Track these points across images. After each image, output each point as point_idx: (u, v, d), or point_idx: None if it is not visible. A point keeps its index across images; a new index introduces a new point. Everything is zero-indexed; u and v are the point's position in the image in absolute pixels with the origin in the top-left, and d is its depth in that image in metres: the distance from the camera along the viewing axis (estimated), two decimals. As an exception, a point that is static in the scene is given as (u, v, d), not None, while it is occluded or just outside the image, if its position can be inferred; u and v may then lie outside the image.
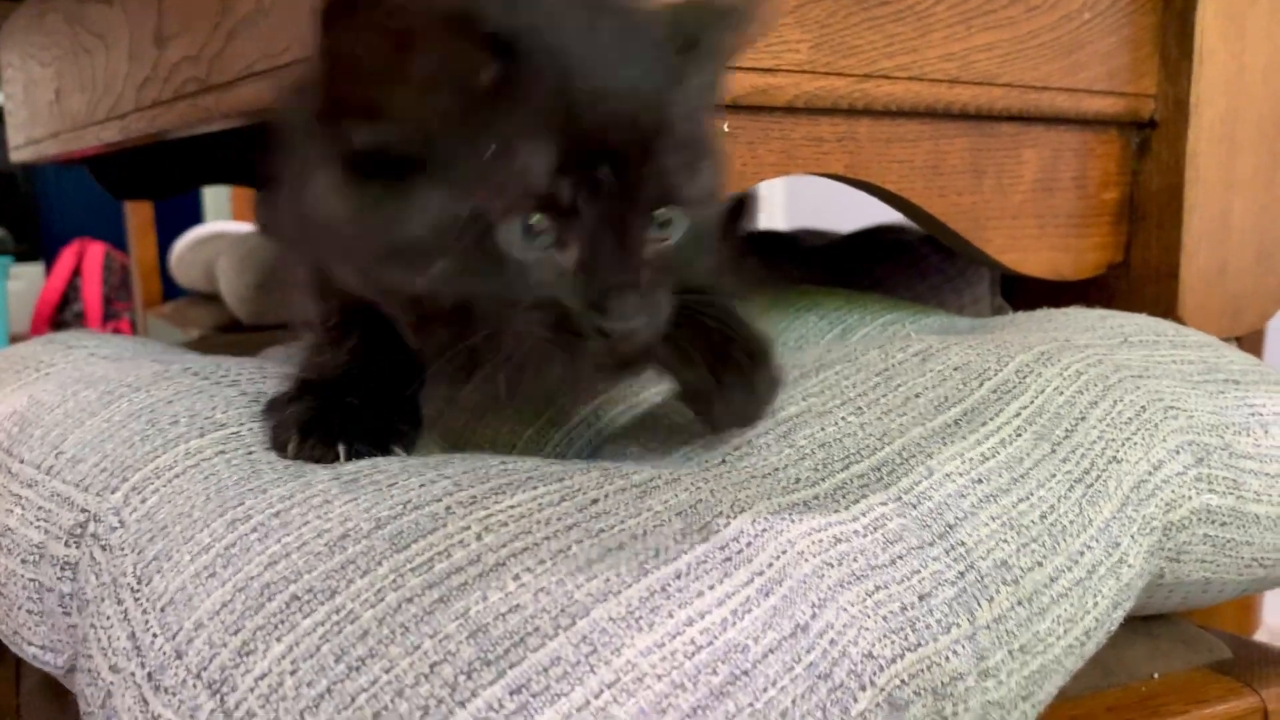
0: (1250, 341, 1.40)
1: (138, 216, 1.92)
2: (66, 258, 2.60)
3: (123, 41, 0.73)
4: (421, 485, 0.40)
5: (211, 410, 0.48)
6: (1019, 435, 0.48)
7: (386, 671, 0.33)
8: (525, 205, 0.39)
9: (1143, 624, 0.61)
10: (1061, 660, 0.45)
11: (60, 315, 2.63)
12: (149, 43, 0.68)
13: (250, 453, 0.45)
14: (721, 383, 0.45)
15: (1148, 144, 0.76)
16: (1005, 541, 0.44)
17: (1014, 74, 0.66)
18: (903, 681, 0.39)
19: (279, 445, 0.45)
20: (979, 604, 0.42)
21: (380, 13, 0.37)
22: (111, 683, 0.38)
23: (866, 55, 0.60)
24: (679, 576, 0.37)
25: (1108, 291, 0.76)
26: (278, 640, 0.35)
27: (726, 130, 0.55)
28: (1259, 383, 0.59)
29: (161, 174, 1.13)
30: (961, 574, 0.42)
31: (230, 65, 0.57)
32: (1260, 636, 1.85)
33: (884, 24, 0.60)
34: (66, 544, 0.45)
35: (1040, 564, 0.44)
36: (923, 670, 0.40)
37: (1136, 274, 0.77)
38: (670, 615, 0.35)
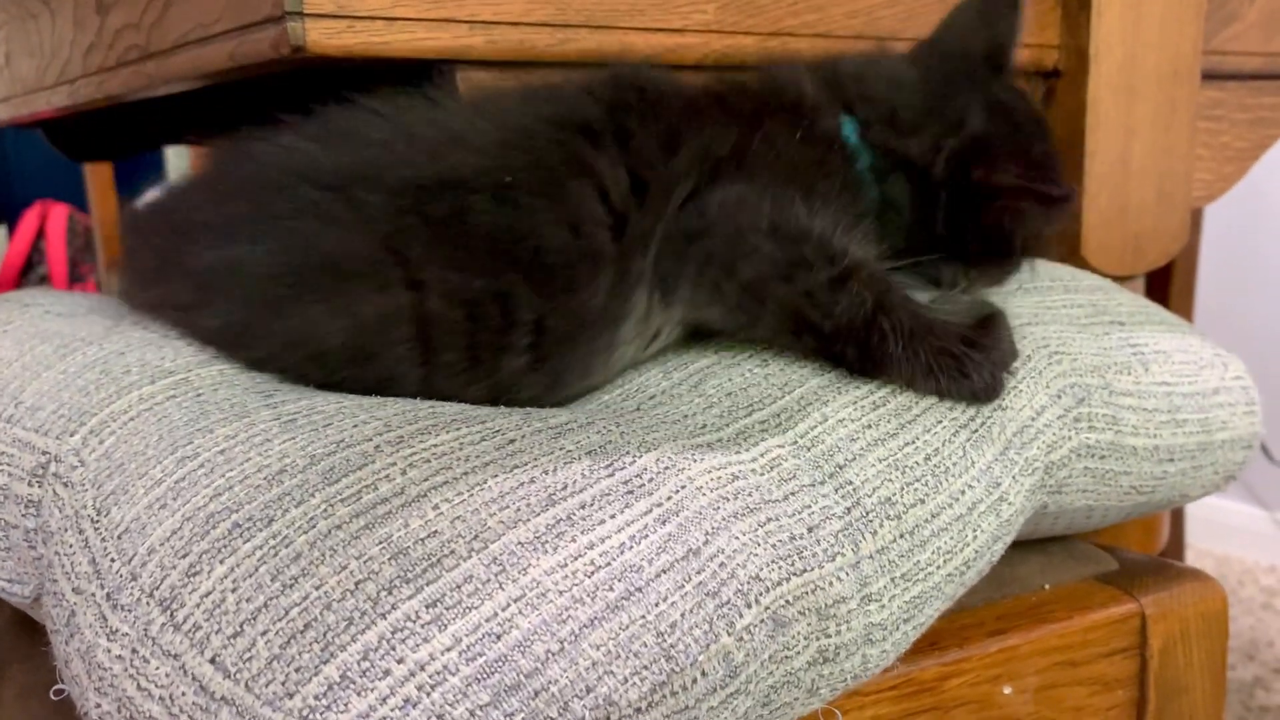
0: (1181, 298, 1.46)
1: (97, 177, 1.93)
2: (29, 220, 2.59)
3: (68, 8, 0.76)
4: (355, 426, 0.44)
5: (161, 360, 0.51)
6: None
7: (316, 588, 0.37)
8: None
9: (1037, 543, 0.67)
10: (941, 587, 0.49)
11: (25, 279, 2.62)
12: (92, 9, 0.71)
13: (199, 395, 0.48)
14: None
15: (1052, 93, 0.80)
16: (890, 480, 0.48)
17: (918, 29, 0.69)
18: (787, 602, 0.43)
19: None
20: (864, 536, 0.47)
21: None
22: (75, 603, 0.42)
23: (772, 14, 0.63)
24: (584, 506, 0.41)
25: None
26: (220, 562, 0.39)
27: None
28: (1144, 323, 0.64)
29: (117, 134, 1.15)
30: (849, 509, 0.47)
31: (168, 33, 0.59)
32: (1189, 557, 1.92)
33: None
34: (30, 484, 0.49)
35: (923, 501, 0.49)
36: (807, 593, 0.44)
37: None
38: (573, 540, 0.40)
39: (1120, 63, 0.79)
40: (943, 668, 0.57)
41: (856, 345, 0.51)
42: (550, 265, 0.50)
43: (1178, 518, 1.50)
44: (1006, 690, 0.59)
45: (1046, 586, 0.64)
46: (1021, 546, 0.66)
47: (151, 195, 0.59)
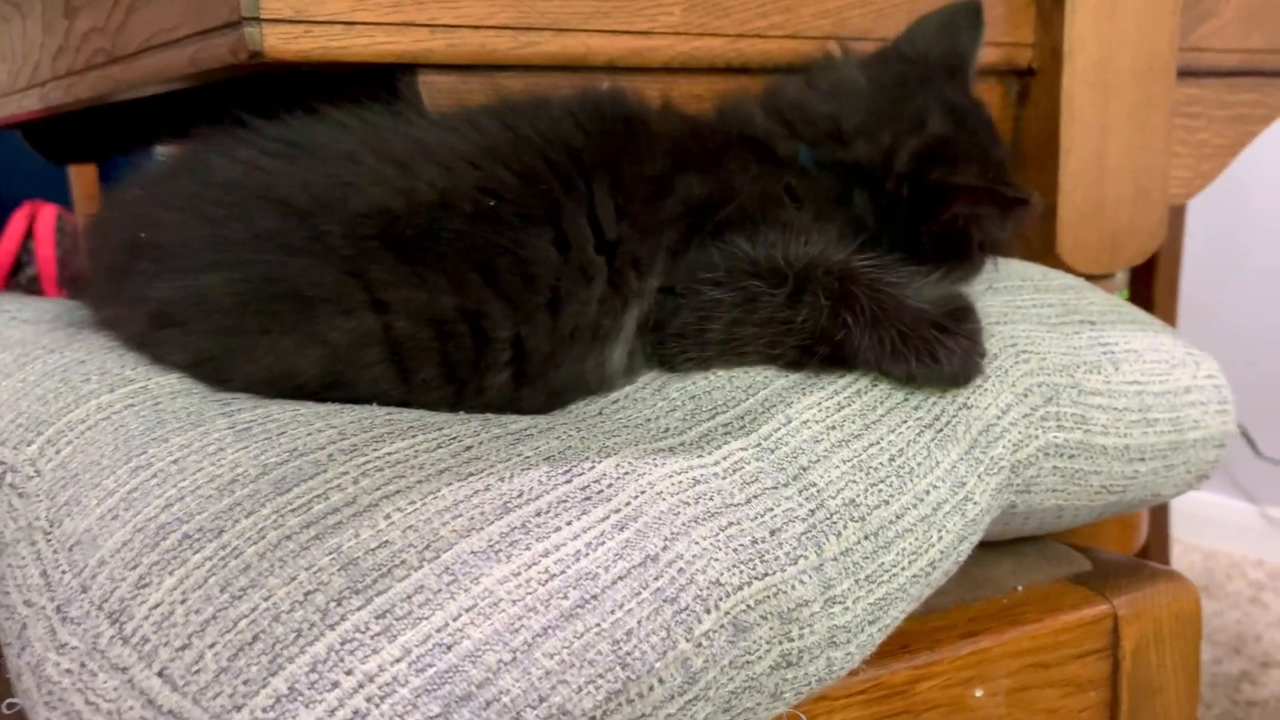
0: (1164, 296, 1.46)
1: (82, 179, 1.92)
2: (18, 221, 2.58)
3: (37, 11, 0.75)
4: (308, 434, 0.44)
5: (121, 368, 0.51)
6: (875, 385, 0.52)
7: (265, 600, 0.37)
8: None
9: (1010, 543, 0.67)
10: (907, 588, 0.49)
11: (15, 279, 2.61)
12: (60, 14, 0.70)
13: (157, 404, 0.48)
14: None
15: (1027, 91, 0.80)
16: (854, 482, 0.48)
17: (888, 29, 0.69)
18: (748, 606, 0.43)
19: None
20: (827, 538, 0.46)
21: None
22: (26, 616, 0.41)
23: (740, 16, 0.63)
24: (539, 514, 0.41)
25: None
26: (170, 574, 0.38)
27: (613, 87, 0.58)
28: (1115, 322, 0.64)
29: (97, 136, 1.14)
30: (812, 511, 0.47)
31: (132, 38, 0.59)
32: (1175, 552, 1.92)
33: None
34: (-14, 493, 0.48)
35: (887, 502, 0.48)
36: (769, 597, 0.44)
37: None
38: (527, 548, 0.39)
39: (1095, 60, 0.79)
40: (913, 671, 0.57)
41: (827, 343, 0.52)
42: (532, 279, 0.49)
43: (1162, 514, 1.50)
44: (978, 693, 0.59)
45: (1019, 588, 0.64)
46: (994, 547, 0.66)
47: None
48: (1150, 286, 1.47)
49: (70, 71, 0.73)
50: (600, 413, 0.50)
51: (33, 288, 2.63)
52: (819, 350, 0.51)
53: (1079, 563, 0.67)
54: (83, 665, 0.38)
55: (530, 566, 0.39)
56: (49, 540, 0.43)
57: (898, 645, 0.56)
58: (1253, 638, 1.74)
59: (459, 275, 0.48)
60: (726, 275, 0.52)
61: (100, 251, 0.55)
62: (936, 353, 0.51)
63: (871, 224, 0.59)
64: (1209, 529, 2.05)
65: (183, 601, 0.37)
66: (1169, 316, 1.49)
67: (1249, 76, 0.95)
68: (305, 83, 0.57)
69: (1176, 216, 1.48)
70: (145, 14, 0.58)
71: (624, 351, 0.53)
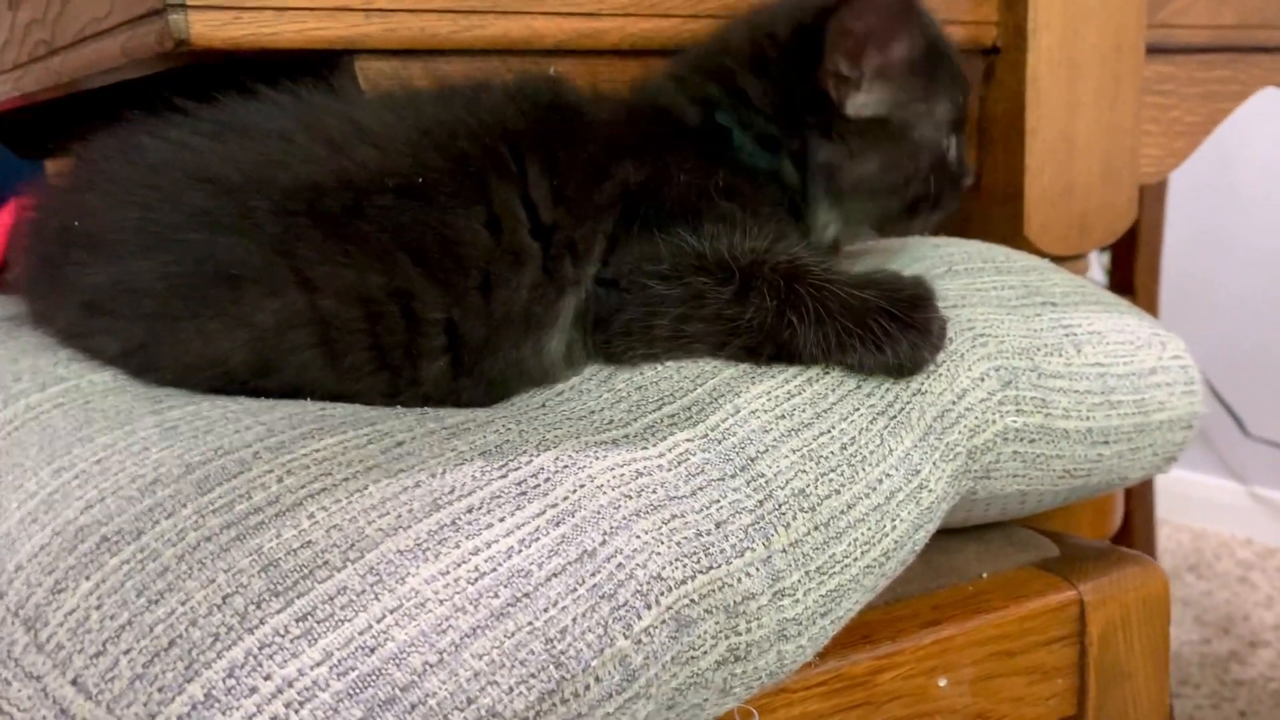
0: (1145, 277, 1.45)
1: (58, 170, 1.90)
2: (3, 217, 2.56)
3: (-14, 5, 0.74)
4: (236, 432, 0.42)
5: (54, 365, 0.49)
6: (826, 373, 0.51)
7: (183, 604, 0.35)
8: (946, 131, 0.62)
9: (975, 530, 0.66)
10: (860, 579, 0.48)
11: (3, 275, 2.59)
12: (4, 5, 0.69)
13: (88, 403, 0.47)
14: None
15: (992, 70, 0.78)
16: (804, 471, 0.47)
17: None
18: (692, 600, 0.42)
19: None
20: (775, 529, 0.45)
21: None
22: (-53, 625, 0.40)
23: (694, -7, 0.62)
24: (471, 510, 0.39)
25: (961, 214, 0.79)
26: (86, 578, 0.37)
27: (553, 74, 0.57)
28: (1078, 303, 0.63)
29: (63, 130, 1.13)
30: (760, 503, 0.45)
31: (68, 28, 0.58)
32: (1164, 532, 1.92)
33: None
34: (-88, 497, 0.47)
35: (838, 491, 0.47)
36: (714, 590, 0.43)
37: (985, 196, 0.80)
38: (457, 546, 0.38)
39: (1060, 38, 0.78)
40: (874, 661, 0.56)
41: (773, 343, 0.51)
42: (462, 261, 0.48)
43: (1146, 493, 1.49)
44: (941, 682, 0.58)
45: (984, 575, 0.63)
46: (959, 534, 0.65)
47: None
48: (1132, 267, 1.46)
49: (16, 64, 0.72)
50: (544, 405, 0.49)
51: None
52: (765, 350, 0.50)
53: (1046, 548, 0.66)
54: (-3, 674, 0.36)
55: (459, 565, 0.38)
56: (-29, 545, 0.42)
57: (859, 635, 0.55)
58: (1241, 617, 1.74)
59: (387, 253, 0.47)
60: (672, 269, 0.50)
61: (34, 243, 0.54)
62: (883, 344, 0.50)
63: (795, 178, 0.59)
64: (1197, 509, 2.05)
65: (98, 607, 0.36)
66: (1151, 296, 1.48)
67: (1221, 53, 0.93)
68: (265, 68, 0.55)
69: (1158, 195, 1.47)
70: (79, 3, 0.56)
71: (561, 341, 0.51)
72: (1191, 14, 0.90)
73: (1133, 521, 1.43)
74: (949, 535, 0.63)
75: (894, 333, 0.50)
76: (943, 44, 0.63)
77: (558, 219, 0.51)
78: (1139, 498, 1.47)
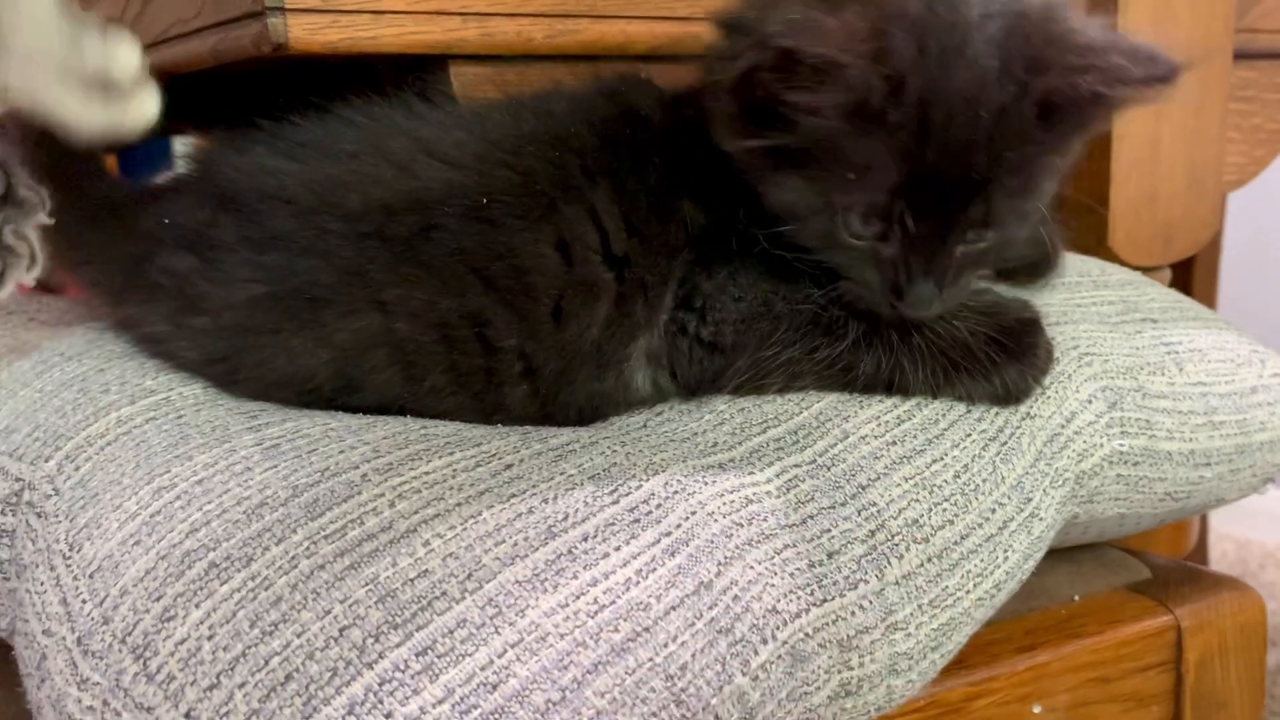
0: (1204, 288, 1.42)
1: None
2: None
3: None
4: (341, 452, 0.41)
5: (141, 377, 0.48)
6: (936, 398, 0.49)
7: (298, 635, 0.34)
8: (861, 207, 0.45)
9: (1064, 550, 0.64)
10: (971, 612, 0.46)
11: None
12: (77, 3, 0.68)
13: (180, 417, 0.46)
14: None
15: (1081, 75, 0.76)
16: (917, 501, 0.45)
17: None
18: (807, 635, 0.40)
19: None
20: (889, 561, 0.44)
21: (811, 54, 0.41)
22: (45, 646, 0.39)
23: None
24: (586, 539, 0.38)
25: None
26: (196, 606, 0.36)
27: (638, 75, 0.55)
28: (1177, 320, 0.61)
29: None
30: (872, 532, 0.44)
31: (149, 28, 0.57)
32: (1213, 542, 1.89)
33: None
34: (3, 512, 0.46)
35: (951, 522, 0.46)
36: (828, 624, 0.41)
37: (1068, 205, 0.78)
38: (575, 576, 0.37)
39: (1149, 41, 0.76)
40: (970, 688, 0.54)
41: (884, 385, 0.49)
42: (532, 288, 0.47)
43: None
44: (1036, 709, 0.56)
45: (1076, 597, 0.61)
46: (1049, 555, 0.63)
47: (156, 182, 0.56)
48: (1189, 277, 1.43)
49: (87, 62, 0.71)
50: (644, 425, 0.47)
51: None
52: (877, 390, 0.49)
53: (1137, 570, 0.64)
54: (105, 703, 0.35)
55: (578, 597, 0.36)
56: (69, 565, 0.41)
57: (954, 661, 0.53)
58: (1289, 629, 1.71)
59: (457, 277, 0.46)
60: (787, 327, 0.48)
61: (120, 243, 0.53)
62: (990, 374, 0.49)
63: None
64: (1242, 518, 2.00)
65: (210, 637, 0.35)
66: (1209, 302, 1.45)
67: (1305, 58, 0.91)
68: (330, 69, 0.54)
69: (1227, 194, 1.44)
70: (163, 2, 0.55)
71: (646, 377, 0.50)
72: (1276, 18, 0.87)
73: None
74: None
75: (1001, 361, 0.49)
76: None
77: (630, 251, 0.48)
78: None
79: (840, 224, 0.45)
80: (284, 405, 0.47)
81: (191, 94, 0.69)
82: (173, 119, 0.85)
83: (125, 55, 0.47)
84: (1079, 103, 0.45)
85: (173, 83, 0.64)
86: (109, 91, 0.47)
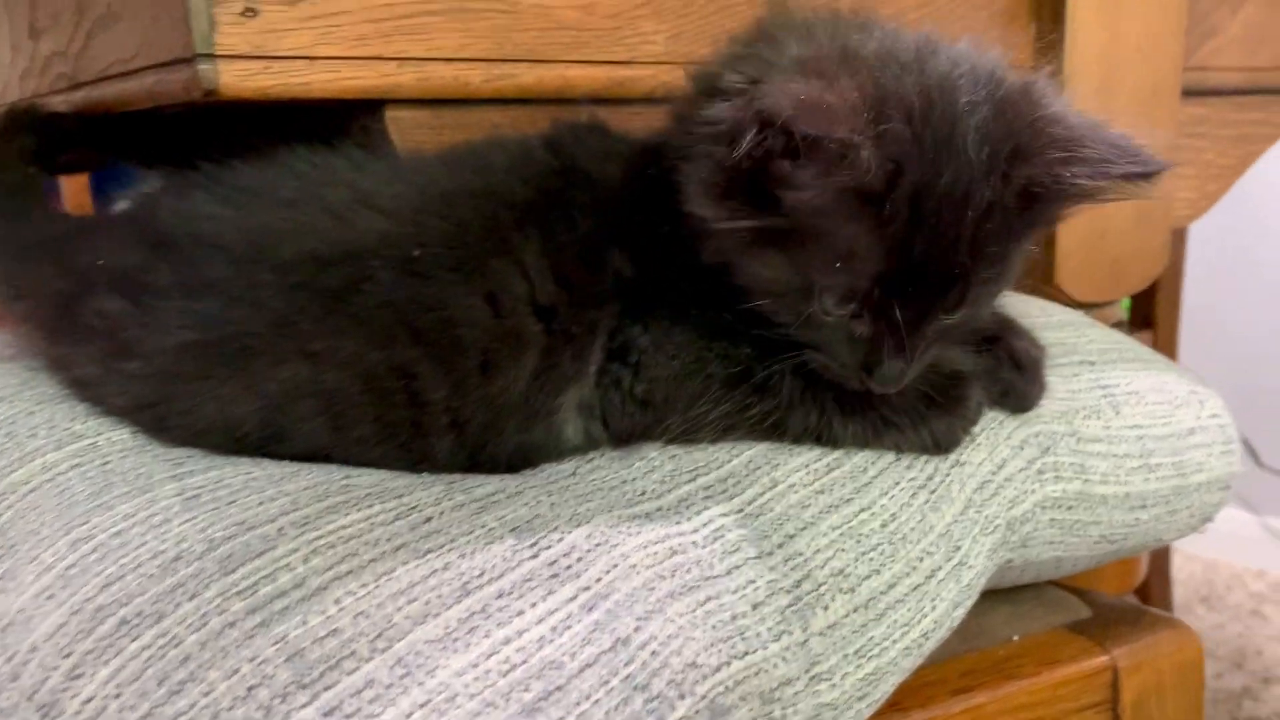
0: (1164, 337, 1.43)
1: (72, 185, 1.89)
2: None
3: (4, 30, 0.73)
4: (260, 504, 0.41)
5: (70, 421, 0.48)
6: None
7: (205, 695, 0.34)
8: (841, 290, 0.45)
9: (1005, 590, 0.64)
10: (898, 662, 0.46)
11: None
12: (25, 34, 0.68)
13: (105, 464, 0.45)
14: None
15: (1027, 115, 0.77)
16: (844, 550, 0.46)
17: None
18: (727, 688, 0.40)
19: None
20: (814, 611, 0.44)
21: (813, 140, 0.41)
22: (-42, 699, 0.39)
23: (729, 42, 0.60)
24: (501, 595, 0.38)
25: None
26: (105, 664, 0.36)
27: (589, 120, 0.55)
28: (1116, 361, 0.61)
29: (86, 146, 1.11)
30: (798, 583, 0.44)
31: (92, 64, 0.57)
32: (1175, 562, 1.90)
33: (741, 10, 0.61)
34: (-76, 558, 0.46)
35: (878, 571, 0.46)
36: (750, 676, 0.41)
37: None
38: (487, 635, 0.37)
39: (1098, 84, 0.76)
40: (905, 731, 0.54)
41: (815, 438, 0.49)
42: (461, 341, 0.47)
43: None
44: (973, 752, 0.56)
45: (1015, 638, 0.61)
46: (989, 594, 0.64)
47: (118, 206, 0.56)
48: (1153, 301, 1.44)
49: (36, 94, 0.70)
50: (574, 473, 0.47)
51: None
52: (806, 442, 0.49)
53: (1077, 609, 0.65)
54: (10, 763, 0.35)
55: (490, 656, 0.36)
56: (-16, 617, 0.40)
57: (889, 704, 0.53)
58: (1254, 652, 1.72)
59: (385, 329, 0.46)
60: (720, 385, 0.48)
61: (57, 280, 0.52)
62: (919, 426, 0.49)
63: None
64: (1209, 539, 2.02)
65: (117, 695, 0.35)
66: (1171, 332, 1.46)
67: (1255, 95, 0.92)
68: (279, 109, 0.54)
69: (1179, 230, 1.45)
70: (104, 41, 0.55)
71: (577, 427, 0.50)
72: (1226, 56, 0.89)
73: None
74: (979, 596, 0.62)
75: (930, 414, 0.49)
76: None
77: (556, 302, 0.48)
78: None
79: (816, 302, 0.45)
80: (213, 452, 0.47)
81: (143, 128, 0.69)
82: (123, 154, 0.85)
83: None
84: (1060, 194, 0.45)
85: (126, 117, 0.64)
86: None
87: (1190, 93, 0.84)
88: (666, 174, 0.47)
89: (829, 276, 0.44)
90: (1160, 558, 1.52)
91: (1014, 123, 0.44)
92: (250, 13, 0.47)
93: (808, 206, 0.43)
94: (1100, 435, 0.57)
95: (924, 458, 0.50)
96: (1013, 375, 0.54)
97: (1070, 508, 0.55)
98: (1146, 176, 0.46)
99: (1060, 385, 0.58)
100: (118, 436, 0.48)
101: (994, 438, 0.53)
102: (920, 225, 0.43)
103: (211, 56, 0.46)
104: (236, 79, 0.47)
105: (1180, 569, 1.99)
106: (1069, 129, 0.45)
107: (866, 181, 0.41)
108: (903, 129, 0.42)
